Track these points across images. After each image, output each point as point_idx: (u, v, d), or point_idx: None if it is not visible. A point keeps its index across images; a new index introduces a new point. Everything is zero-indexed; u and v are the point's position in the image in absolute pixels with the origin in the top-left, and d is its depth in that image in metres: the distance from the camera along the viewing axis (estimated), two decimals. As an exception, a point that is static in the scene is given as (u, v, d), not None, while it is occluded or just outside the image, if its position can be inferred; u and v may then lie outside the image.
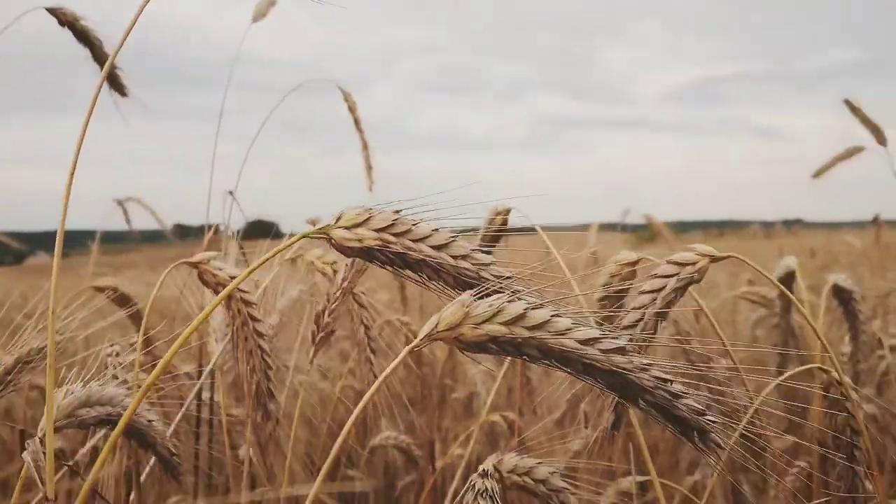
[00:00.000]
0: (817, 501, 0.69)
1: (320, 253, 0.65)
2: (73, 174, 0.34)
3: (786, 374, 0.51)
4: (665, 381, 0.24)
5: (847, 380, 0.52)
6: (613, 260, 0.49)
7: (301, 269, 0.61)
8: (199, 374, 0.83)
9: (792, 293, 0.92)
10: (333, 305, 0.51)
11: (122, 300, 0.89)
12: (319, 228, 0.29)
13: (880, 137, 1.12)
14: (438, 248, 0.28)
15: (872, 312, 1.67)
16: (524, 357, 0.25)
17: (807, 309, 0.88)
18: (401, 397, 1.07)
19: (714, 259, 0.45)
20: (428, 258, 0.28)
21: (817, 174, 1.26)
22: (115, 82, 0.80)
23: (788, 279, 0.85)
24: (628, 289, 0.47)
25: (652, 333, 0.44)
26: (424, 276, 0.29)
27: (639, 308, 0.45)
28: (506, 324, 0.24)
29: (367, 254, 0.28)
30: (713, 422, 0.25)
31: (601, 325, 0.45)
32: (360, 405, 0.23)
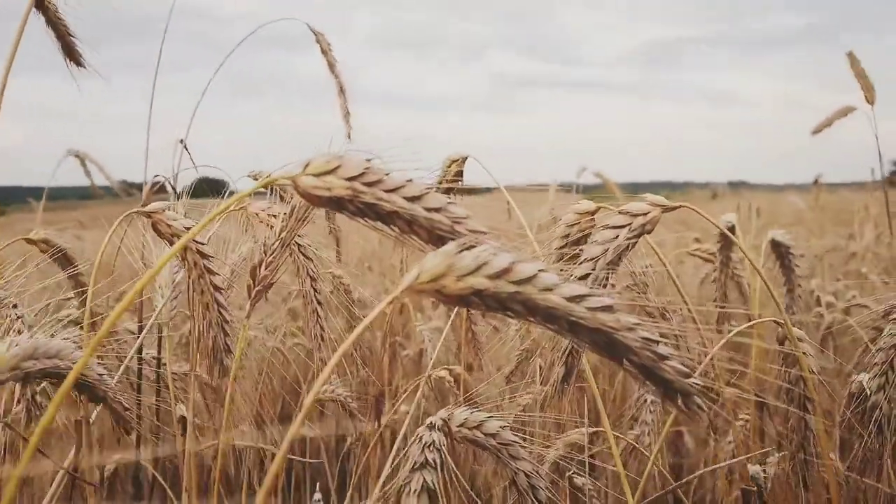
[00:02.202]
0: (764, 450, 0.71)
1: (266, 205, 0.63)
2: None
3: (740, 327, 0.51)
4: (652, 341, 0.23)
5: (801, 332, 0.52)
6: (572, 209, 0.49)
7: (253, 223, 0.59)
8: (140, 330, 0.81)
9: (732, 248, 0.94)
10: (271, 257, 0.48)
11: (62, 257, 0.86)
12: (287, 175, 0.27)
13: (871, 95, 1.14)
14: (412, 199, 0.27)
15: (811, 271, 1.72)
16: (508, 313, 0.24)
17: (747, 266, 0.90)
18: (352, 353, 1.06)
19: (665, 209, 0.45)
20: (400, 210, 0.26)
21: (816, 131, 1.30)
22: (70, 51, 0.75)
23: (728, 234, 0.87)
24: (587, 238, 0.47)
25: (604, 285, 0.44)
26: (396, 228, 0.27)
27: (591, 259, 0.44)
28: (491, 277, 0.23)
29: (337, 203, 0.27)
30: (697, 384, 0.24)
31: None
32: (337, 354, 0.22)
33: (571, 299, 0.23)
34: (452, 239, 0.26)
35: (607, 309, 0.23)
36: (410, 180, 0.27)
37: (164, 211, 0.52)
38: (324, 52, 1.01)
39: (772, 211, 2.92)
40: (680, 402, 0.24)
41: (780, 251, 0.89)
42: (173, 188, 0.86)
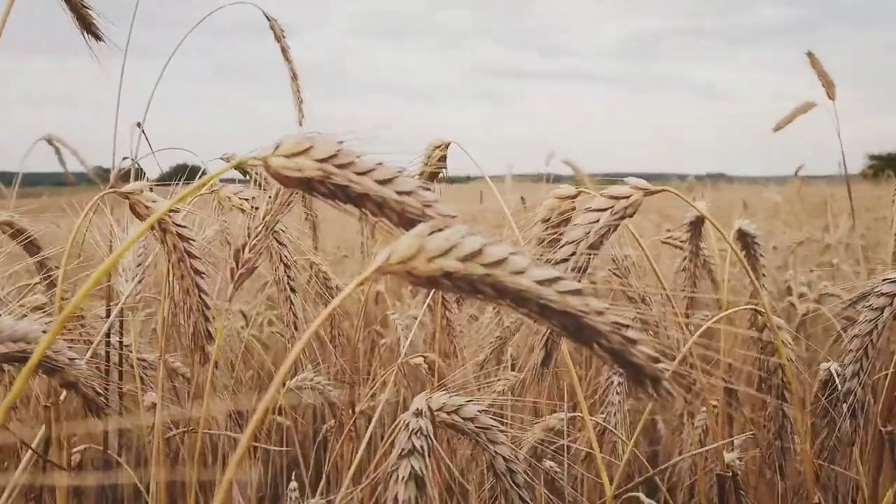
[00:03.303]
0: (741, 436, 0.72)
1: (238, 188, 0.62)
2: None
3: (719, 315, 0.51)
4: (622, 325, 0.23)
5: (780, 321, 0.53)
6: (553, 194, 0.49)
7: (225, 207, 0.58)
8: (108, 315, 0.80)
9: (700, 236, 0.95)
10: (255, 241, 0.48)
11: (28, 242, 0.85)
12: (257, 156, 0.27)
13: (831, 91, 1.16)
14: (382, 182, 0.27)
15: (784, 262, 1.74)
16: (478, 295, 0.24)
17: (717, 254, 0.91)
18: (327, 343, 1.06)
19: (648, 192, 0.45)
20: (371, 192, 0.26)
21: (777, 127, 1.31)
22: (86, 24, 0.73)
23: (698, 223, 0.88)
24: (567, 222, 0.47)
25: (584, 268, 0.44)
26: (367, 211, 0.27)
27: (571, 242, 0.44)
28: (462, 259, 0.23)
29: (307, 185, 0.26)
30: (666, 369, 0.24)
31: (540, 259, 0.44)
32: (307, 333, 0.22)
33: (542, 282, 0.23)
34: (422, 222, 0.26)
35: (577, 292, 0.23)
36: (381, 163, 0.27)
37: (142, 192, 0.51)
38: (277, 38, 1.01)
39: (750, 203, 2.95)
40: (649, 387, 0.24)
41: (746, 240, 0.90)
42: (141, 172, 0.85)
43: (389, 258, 0.23)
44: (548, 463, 0.70)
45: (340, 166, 0.26)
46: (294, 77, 1.04)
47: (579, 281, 0.43)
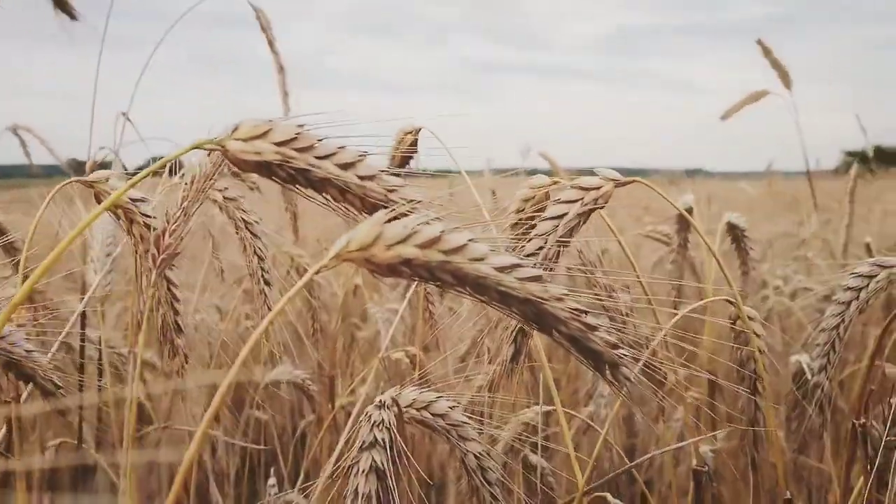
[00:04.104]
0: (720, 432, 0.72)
1: (224, 184, 0.62)
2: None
3: (691, 306, 0.52)
4: (580, 312, 0.23)
5: (754, 313, 0.53)
6: (527, 184, 0.48)
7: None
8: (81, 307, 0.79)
9: (688, 231, 0.95)
10: (174, 226, 0.47)
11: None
12: (213, 140, 0.26)
13: (786, 81, 1.16)
14: (344, 166, 0.26)
15: (762, 255, 1.76)
16: (437, 283, 0.23)
17: (703, 248, 0.91)
18: (303, 336, 1.06)
19: (618, 184, 0.45)
20: (333, 177, 0.26)
21: (725, 116, 1.32)
22: (61, 2, 0.71)
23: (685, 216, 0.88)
24: (541, 212, 0.46)
25: (554, 260, 0.44)
26: (329, 196, 0.27)
27: (541, 235, 0.44)
28: (420, 246, 0.23)
29: (266, 169, 0.26)
30: (625, 355, 0.24)
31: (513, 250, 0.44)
32: (261, 327, 0.21)
33: (501, 269, 0.23)
34: (387, 208, 0.25)
35: (536, 279, 0.23)
36: (343, 147, 0.26)
37: (106, 181, 0.50)
38: (263, 29, 1.00)
39: (727, 198, 2.97)
40: (608, 373, 0.24)
41: (735, 233, 0.91)
42: (120, 163, 0.84)
43: (348, 245, 0.23)
44: (529, 458, 0.70)
45: (300, 150, 0.26)
46: (280, 69, 1.03)
47: (549, 272, 0.43)
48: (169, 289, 0.54)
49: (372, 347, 1.35)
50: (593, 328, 0.24)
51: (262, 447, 1.11)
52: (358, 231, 0.23)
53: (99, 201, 0.50)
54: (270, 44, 1.01)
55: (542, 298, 0.23)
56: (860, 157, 1.73)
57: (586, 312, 0.24)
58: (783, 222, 2.24)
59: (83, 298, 0.70)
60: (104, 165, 0.87)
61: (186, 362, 0.56)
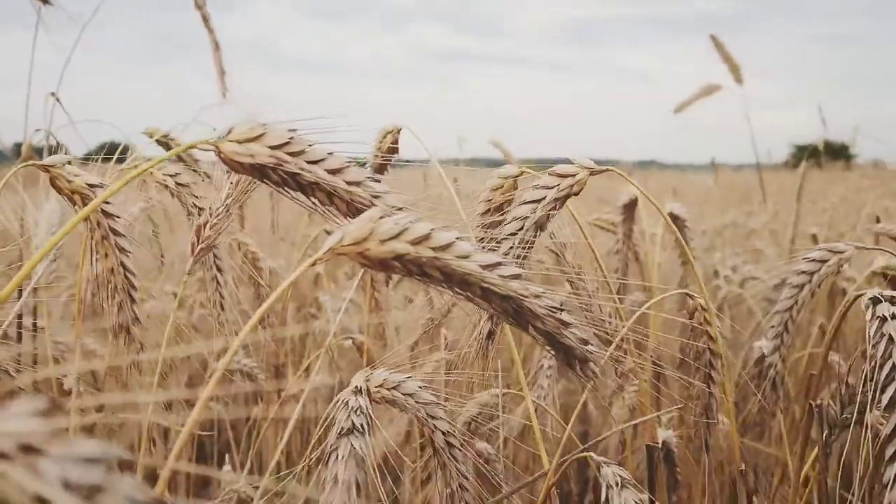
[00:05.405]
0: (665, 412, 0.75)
1: (175, 170, 0.61)
2: None
3: (652, 300, 0.53)
4: (556, 309, 0.25)
5: (710, 305, 0.55)
6: (496, 174, 0.49)
7: (150, 185, 0.57)
8: (20, 295, 0.78)
9: (634, 220, 0.98)
10: (216, 220, 0.48)
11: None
12: (209, 141, 0.27)
13: (738, 75, 1.20)
14: (333, 172, 0.27)
15: (711, 244, 1.80)
16: (426, 278, 0.24)
17: (647, 238, 0.94)
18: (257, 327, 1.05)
19: (593, 172, 0.46)
20: (322, 181, 0.27)
21: (678, 109, 1.35)
22: None
23: (631, 206, 0.90)
24: (509, 203, 0.47)
25: (529, 246, 0.45)
26: (316, 200, 0.28)
27: (517, 219, 0.45)
28: (412, 243, 0.24)
29: (259, 171, 0.27)
30: (595, 352, 0.26)
31: (482, 239, 0.44)
32: (248, 325, 0.22)
33: (486, 267, 0.24)
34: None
35: (517, 277, 0.24)
36: (332, 153, 0.27)
37: (63, 165, 0.50)
38: (198, 6, 0.98)
39: (681, 189, 3.03)
40: (578, 368, 0.26)
41: (676, 223, 0.93)
42: (59, 145, 0.82)
43: (343, 240, 0.23)
44: (479, 445, 0.71)
45: (293, 154, 0.26)
46: (216, 47, 1.00)
47: (525, 258, 0.44)
48: (126, 277, 0.53)
49: (325, 337, 1.34)
50: (567, 325, 0.25)
51: (211, 432, 1.10)
52: (351, 226, 0.24)
53: (55, 186, 0.49)
54: (205, 20, 0.98)
55: (522, 295, 0.24)
56: (809, 150, 1.78)
57: (562, 310, 0.25)
58: (733, 213, 2.30)
59: (23, 287, 0.69)
60: (41, 149, 0.85)
61: (142, 349, 0.56)
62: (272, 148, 0.26)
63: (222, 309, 0.66)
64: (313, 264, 0.23)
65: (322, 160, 0.27)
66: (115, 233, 0.52)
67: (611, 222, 1.17)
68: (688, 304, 0.55)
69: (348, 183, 0.27)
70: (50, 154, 0.73)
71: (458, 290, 0.24)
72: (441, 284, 0.24)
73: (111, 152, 0.71)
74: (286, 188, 0.27)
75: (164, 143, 0.77)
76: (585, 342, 0.26)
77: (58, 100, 0.85)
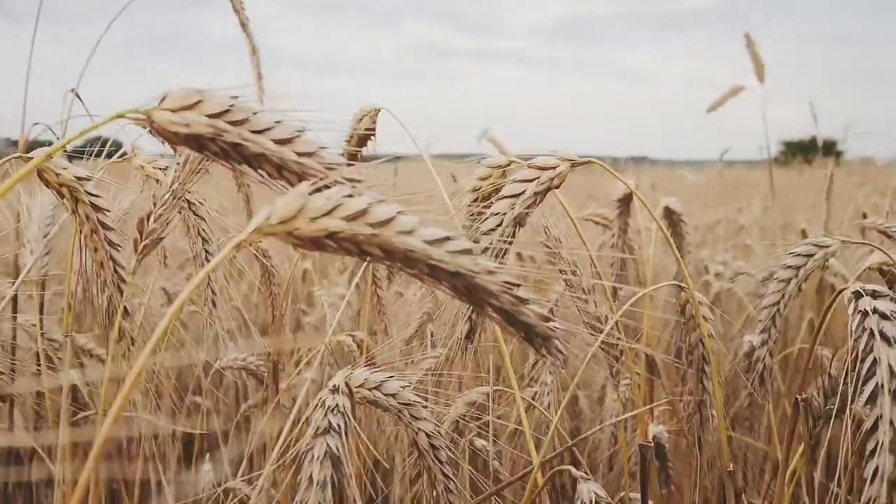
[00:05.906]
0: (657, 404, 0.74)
1: (153, 157, 0.60)
2: None
3: (647, 290, 0.52)
4: (512, 285, 0.23)
5: (703, 298, 0.54)
6: (484, 163, 0.48)
7: (137, 175, 0.56)
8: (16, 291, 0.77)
9: (629, 214, 0.97)
10: (161, 210, 0.46)
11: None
12: (139, 109, 0.25)
13: (761, 74, 1.21)
14: (281, 142, 0.26)
15: (702, 239, 1.80)
16: (365, 257, 0.23)
17: (643, 233, 0.93)
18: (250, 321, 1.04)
19: (574, 164, 0.45)
20: (268, 152, 0.25)
21: (710, 109, 1.37)
22: None
23: (626, 200, 0.89)
24: (499, 191, 0.46)
25: (510, 239, 0.44)
26: (264, 173, 0.26)
27: (497, 213, 0.44)
28: (347, 219, 0.22)
29: (196, 142, 0.25)
30: (557, 328, 0.25)
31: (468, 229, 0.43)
32: (181, 297, 0.21)
33: (431, 242, 0.23)
34: (328, 187, 0.25)
35: (467, 252, 0.23)
36: (280, 121, 0.26)
37: (50, 158, 0.49)
38: (236, 10, 0.97)
39: (671, 185, 3.02)
40: (541, 346, 0.25)
41: (672, 218, 0.92)
42: (58, 139, 0.81)
43: (269, 219, 0.22)
44: (477, 442, 0.70)
45: (234, 123, 0.25)
46: (254, 51, 0.99)
47: (506, 251, 0.43)
48: (115, 271, 0.53)
49: (319, 332, 1.33)
50: (524, 301, 0.24)
51: (202, 431, 1.09)
52: (278, 203, 0.22)
53: (42, 179, 0.48)
54: (243, 25, 0.97)
55: (473, 272, 0.23)
56: (799, 147, 1.79)
57: (518, 285, 0.24)
58: (724, 209, 2.29)
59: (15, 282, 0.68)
60: (40, 143, 0.85)
61: (133, 344, 0.55)
62: (210, 116, 0.25)
63: (214, 305, 0.65)
64: (238, 247, 0.22)
65: (268, 129, 0.25)
66: (105, 226, 0.51)
67: (605, 217, 1.16)
68: (679, 296, 0.55)
69: (299, 154, 0.26)
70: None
71: (403, 268, 0.23)
72: (384, 262, 0.23)
73: (102, 145, 0.70)
74: (229, 161, 0.26)
75: (143, 114, 0.76)
76: (546, 319, 0.24)
77: (77, 95, 0.85)
